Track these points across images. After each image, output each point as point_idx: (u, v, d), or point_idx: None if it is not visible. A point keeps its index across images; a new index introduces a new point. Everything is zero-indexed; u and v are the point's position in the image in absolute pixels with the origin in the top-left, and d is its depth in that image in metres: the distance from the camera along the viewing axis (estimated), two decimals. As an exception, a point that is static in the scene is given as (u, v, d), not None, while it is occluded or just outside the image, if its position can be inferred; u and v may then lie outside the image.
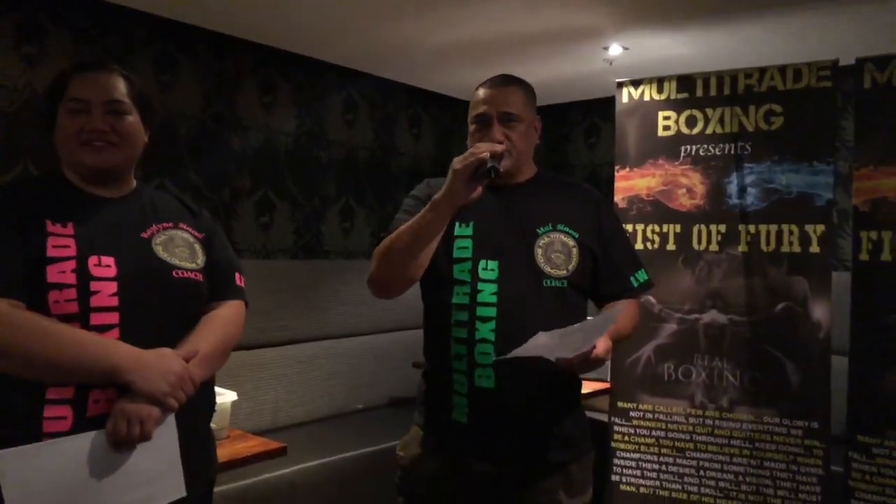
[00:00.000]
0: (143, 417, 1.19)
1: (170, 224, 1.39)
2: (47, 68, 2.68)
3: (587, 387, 2.50)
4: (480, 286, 1.50)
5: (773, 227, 2.43)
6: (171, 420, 1.25)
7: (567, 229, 1.56)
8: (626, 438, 2.58)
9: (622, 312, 1.52)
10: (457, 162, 1.39)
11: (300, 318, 3.32)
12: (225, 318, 1.40)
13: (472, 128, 1.58)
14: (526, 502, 1.53)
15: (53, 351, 1.17)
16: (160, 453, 1.25)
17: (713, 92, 2.54)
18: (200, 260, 1.40)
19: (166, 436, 1.25)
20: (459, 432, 1.52)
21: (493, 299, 1.48)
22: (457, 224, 1.54)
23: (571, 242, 1.55)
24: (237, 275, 1.48)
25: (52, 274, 1.20)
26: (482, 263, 1.51)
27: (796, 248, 2.40)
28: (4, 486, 1.09)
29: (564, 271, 1.53)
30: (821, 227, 2.37)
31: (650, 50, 3.25)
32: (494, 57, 3.39)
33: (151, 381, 1.20)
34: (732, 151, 2.50)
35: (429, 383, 1.62)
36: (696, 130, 2.56)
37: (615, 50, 3.22)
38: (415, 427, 1.63)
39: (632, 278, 1.62)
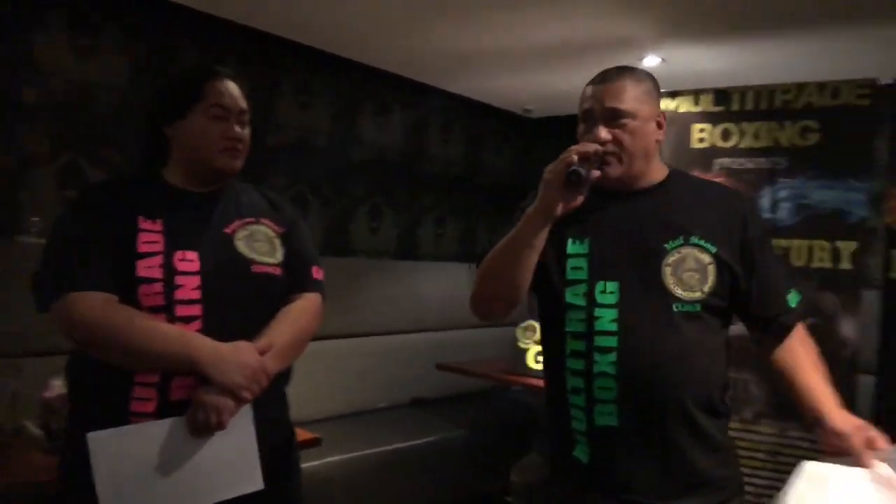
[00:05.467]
0: (219, 408, 1.27)
1: (252, 219, 1.45)
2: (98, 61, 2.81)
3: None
4: (598, 312, 1.31)
5: (805, 243, 2.45)
6: (247, 411, 1.31)
7: (702, 242, 1.33)
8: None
9: (806, 363, 1.39)
10: (548, 171, 1.27)
11: (325, 316, 3.37)
12: (301, 310, 1.46)
13: (580, 127, 1.38)
14: None
15: (142, 344, 1.26)
16: (237, 443, 1.31)
17: (749, 106, 2.56)
18: (279, 254, 1.45)
19: (243, 426, 1.31)
20: (580, 470, 1.37)
21: (614, 327, 1.30)
22: (570, 241, 1.37)
23: (707, 258, 1.33)
24: (315, 268, 1.53)
25: (142, 268, 1.29)
26: (599, 286, 1.32)
27: (827, 264, 2.41)
28: (95, 464, 1.17)
29: (699, 293, 1.32)
30: (853, 244, 2.38)
31: (686, 63, 3.28)
32: (530, 64, 3.43)
33: (227, 374, 1.27)
34: (766, 166, 2.52)
35: (549, 410, 1.45)
36: (730, 144, 2.59)
37: (651, 61, 3.24)
38: (534, 452, 1.55)
39: (787, 297, 1.40)
